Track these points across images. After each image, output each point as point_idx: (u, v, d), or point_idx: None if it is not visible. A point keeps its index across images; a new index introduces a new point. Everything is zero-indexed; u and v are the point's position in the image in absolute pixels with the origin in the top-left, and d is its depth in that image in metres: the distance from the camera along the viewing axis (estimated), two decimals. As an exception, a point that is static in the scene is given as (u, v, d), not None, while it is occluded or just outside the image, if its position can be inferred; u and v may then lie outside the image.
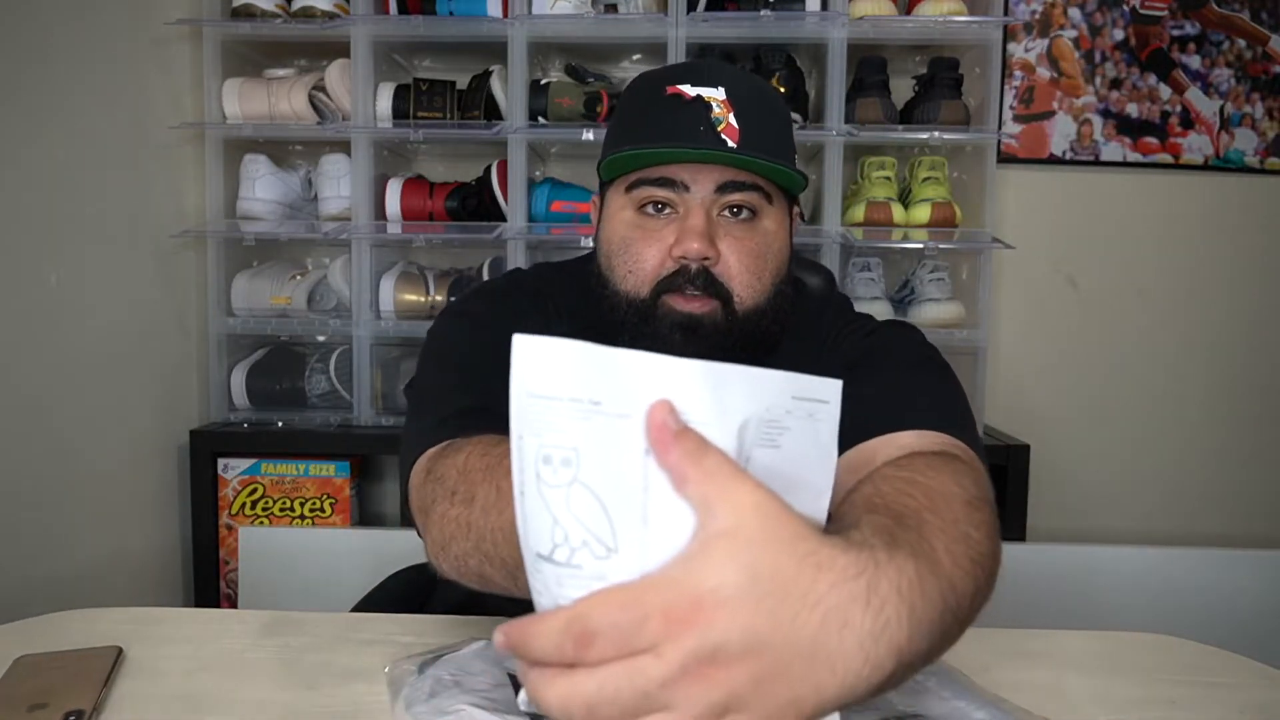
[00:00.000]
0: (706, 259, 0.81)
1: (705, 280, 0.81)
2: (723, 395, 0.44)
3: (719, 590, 0.40)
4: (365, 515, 2.01)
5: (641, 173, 0.83)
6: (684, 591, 0.40)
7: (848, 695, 0.42)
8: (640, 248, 0.83)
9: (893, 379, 0.81)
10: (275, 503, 1.93)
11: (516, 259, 1.90)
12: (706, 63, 0.89)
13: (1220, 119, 2.15)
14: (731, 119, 0.80)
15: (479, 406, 0.76)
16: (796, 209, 0.91)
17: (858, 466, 0.69)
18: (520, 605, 0.78)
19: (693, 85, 0.81)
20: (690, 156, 0.80)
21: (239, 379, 1.98)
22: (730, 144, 0.80)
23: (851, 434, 0.68)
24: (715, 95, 0.81)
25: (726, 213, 0.83)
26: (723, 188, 0.82)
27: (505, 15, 1.87)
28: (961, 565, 0.51)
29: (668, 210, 0.84)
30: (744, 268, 0.83)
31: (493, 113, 1.93)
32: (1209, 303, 2.18)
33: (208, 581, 1.94)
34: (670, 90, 0.82)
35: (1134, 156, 2.16)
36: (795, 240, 2.00)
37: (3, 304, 1.47)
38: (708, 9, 1.87)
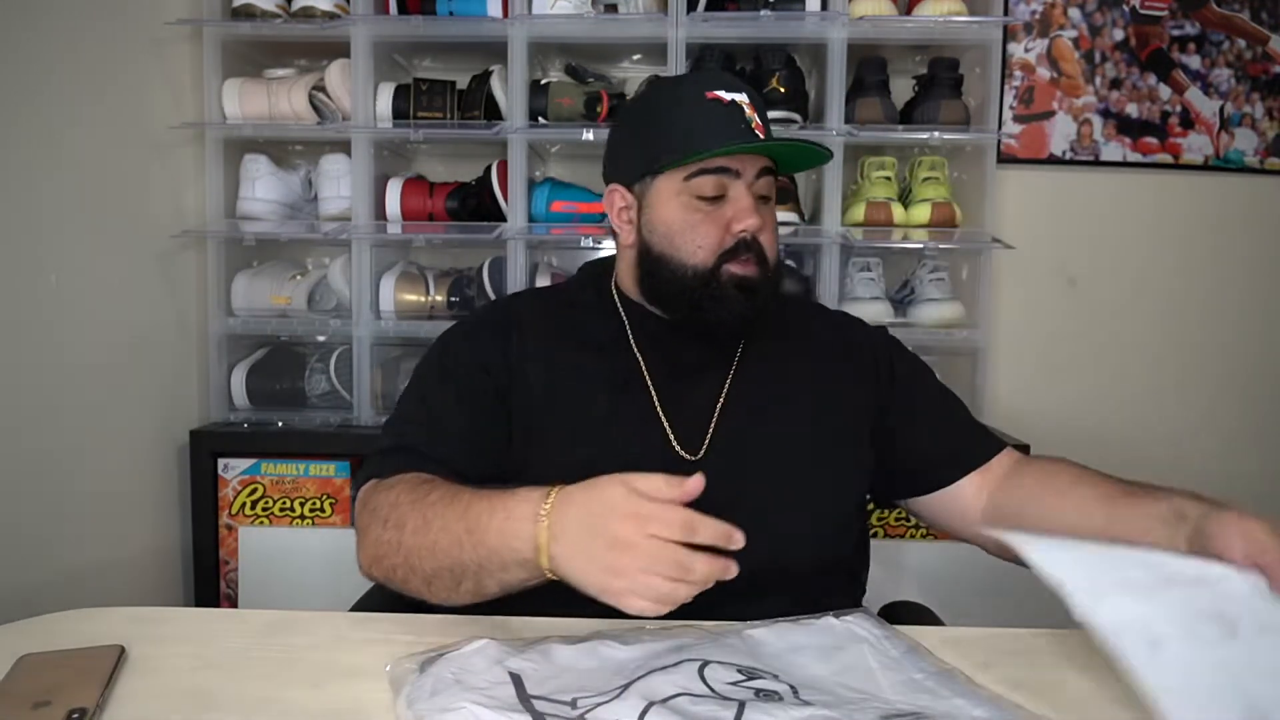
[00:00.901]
0: (758, 231, 1.00)
1: (756, 247, 1.00)
2: None
3: None
4: (365, 515, 2.01)
5: (702, 164, 0.98)
6: None
7: None
8: (705, 228, 0.99)
9: (964, 418, 1.12)
10: (275, 503, 1.94)
11: (516, 259, 1.90)
12: (719, 71, 1.10)
13: (1220, 119, 2.15)
14: (756, 118, 0.99)
15: (410, 446, 0.97)
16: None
17: (987, 482, 1.06)
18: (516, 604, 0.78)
19: (726, 91, 0.99)
20: (748, 150, 0.99)
21: (239, 379, 1.98)
22: (761, 137, 0.99)
23: (967, 461, 1.06)
24: (742, 99, 0.99)
25: (757, 201, 1.02)
26: (760, 173, 1.01)
27: (505, 15, 1.87)
28: None
29: (722, 200, 1.00)
30: (770, 238, 1.02)
31: (493, 113, 1.93)
32: (1209, 303, 2.18)
33: (208, 581, 1.94)
34: (710, 95, 0.99)
35: (1134, 156, 2.16)
36: (796, 241, 2.03)
37: (3, 304, 1.47)
38: (708, 9, 1.87)
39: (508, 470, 0.99)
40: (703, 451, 1.00)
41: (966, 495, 1.05)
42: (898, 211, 1.92)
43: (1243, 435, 2.20)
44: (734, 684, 0.71)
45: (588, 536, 0.72)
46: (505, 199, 1.92)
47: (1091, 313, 2.19)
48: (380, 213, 1.96)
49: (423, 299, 1.99)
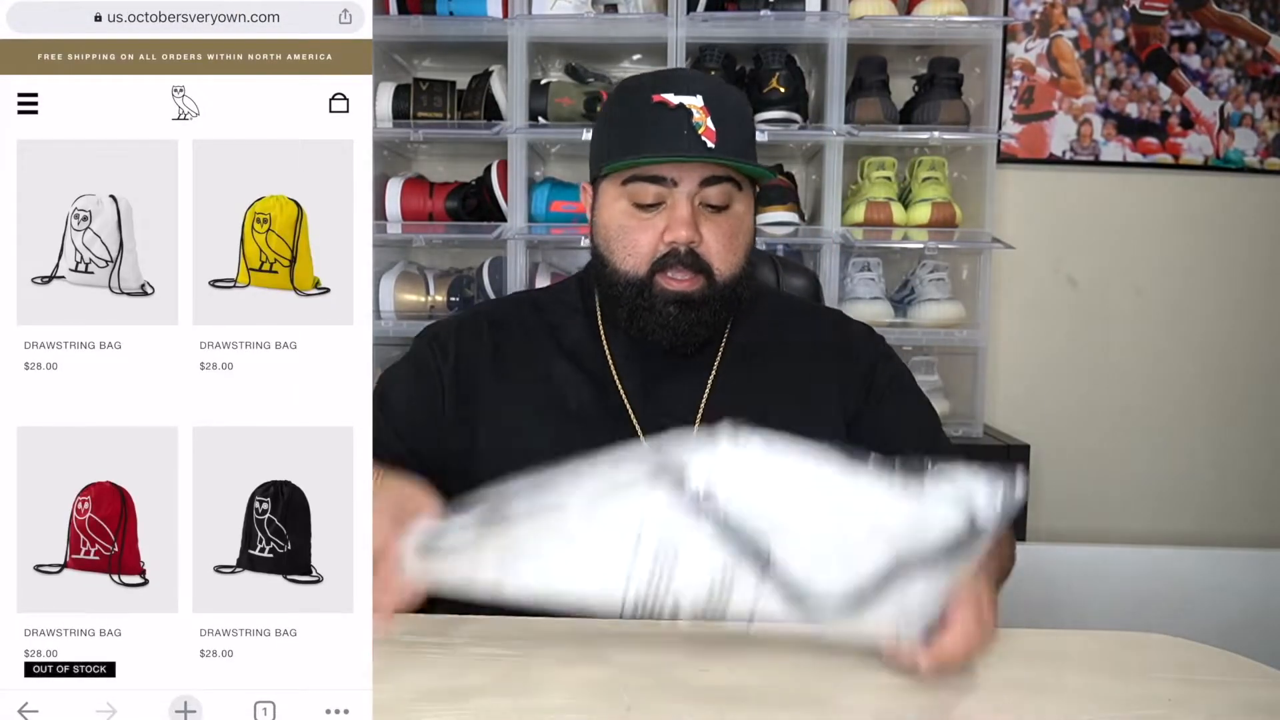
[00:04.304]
0: (692, 243, 0.96)
1: (691, 259, 0.96)
2: None
3: None
4: (365, 515, 2.01)
5: (636, 170, 0.96)
6: None
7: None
8: (637, 235, 0.97)
9: (929, 440, 1.06)
10: (275, 502, 1.93)
11: (516, 259, 1.91)
12: (684, 72, 1.04)
13: (1220, 119, 2.15)
14: (709, 123, 0.94)
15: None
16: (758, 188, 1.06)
17: None
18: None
19: (675, 94, 0.95)
20: (680, 161, 0.95)
21: (239, 379, 1.98)
22: (710, 145, 0.94)
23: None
24: (694, 103, 0.94)
25: (706, 209, 0.98)
26: (704, 182, 0.96)
27: (505, 15, 1.88)
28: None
29: (660, 208, 0.97)
30: (722, 247, 0.98)
31: (493, 113, 1.93)
32: (1209, 303, 2.18)
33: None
34: (656, 98, 0.95)
35: (1134, 156, 2.16)
36: (796, 241, 2.03)
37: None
38: (708, 9, 1.87)
39: (471, 473, 1.00)
40: None
41: None
42: (898, 211, 1.92)
43: (1241, 433, 2.20)
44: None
45: None
46: (505, 199, 1.92)
47: (1091, 312, 2.19)
48: (380, 213, 1.96)
49: (423, 299, 1.99)
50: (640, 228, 0.97)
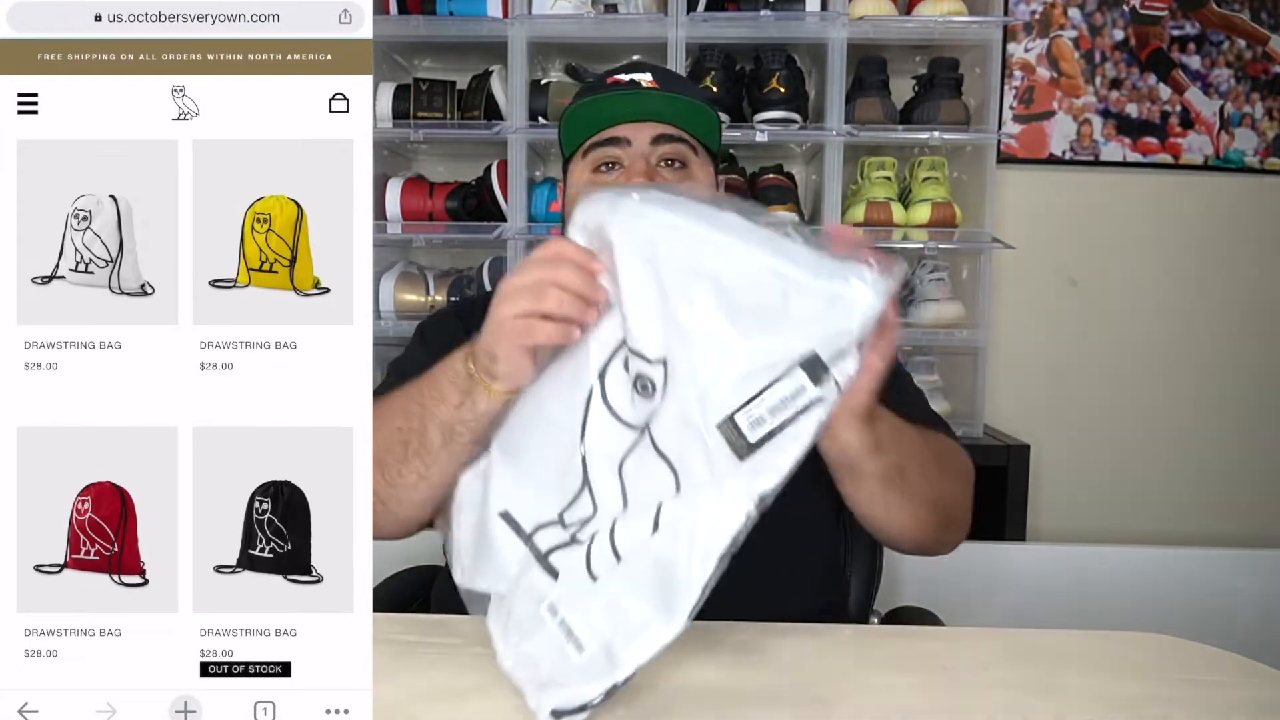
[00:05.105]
0: None
1: None
2: None
3: None
4: (365, 515, 2.01)
5: (593, 138, 1.03)
6: None
7: None
8: None
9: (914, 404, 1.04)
10: (275, 503, 1.93)
11: (516, 259, 1.91)
12: (638, 63, 1.14)
13: (1220, 119, 2.15)
14: (655, 92, 1.02)
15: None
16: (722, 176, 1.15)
17: None
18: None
19: (627, 74, 1.03)
20: (624, 104, 1.01)
21: (239, 379, 1.98)
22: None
23: None
24: (645, 78, 1.03)
25: (662, 165, 1.03)
26: (656, 139, 1.02)
27: (505, 15, 1.88)
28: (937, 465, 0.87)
29: (617, 168, 1.03)
30: None
31: (493, 113, 1.93)
32: (1208, 302, 2.18)
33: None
34: (610, 80, 1.05)
35: (1134, 156, 2.16)
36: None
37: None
38: (708, 9, 1.87)
39: None
40: None
41: None
42: (898, 211, 1.92)
43: (1242, 434, 2.20)
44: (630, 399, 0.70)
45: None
46: (505, 199, 1.92)
47: (1091, 313, 2.19)
48: (380, 213, 1.96)
49: (423, 299, 1.99)
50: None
